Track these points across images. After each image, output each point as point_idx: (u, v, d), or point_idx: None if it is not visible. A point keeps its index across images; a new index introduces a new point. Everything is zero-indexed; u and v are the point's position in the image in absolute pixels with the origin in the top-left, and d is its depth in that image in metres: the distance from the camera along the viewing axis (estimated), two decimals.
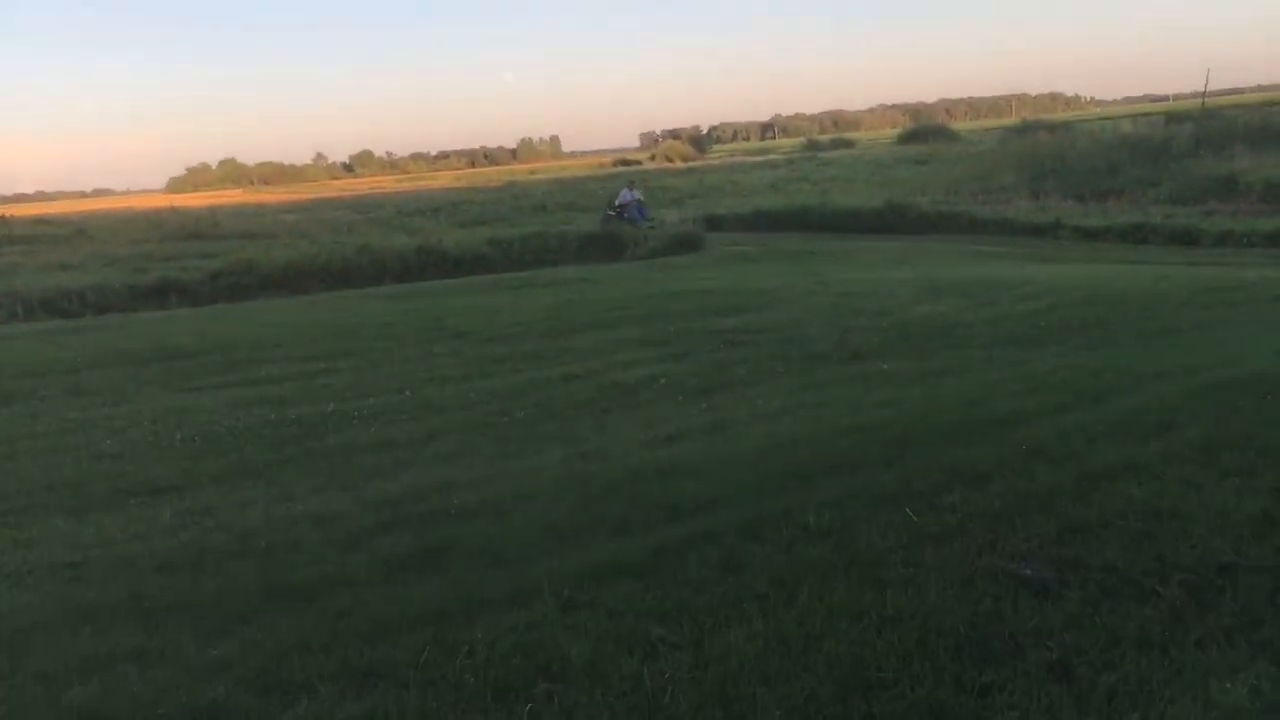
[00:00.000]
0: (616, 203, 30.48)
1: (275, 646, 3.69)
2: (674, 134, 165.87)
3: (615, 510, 5.09)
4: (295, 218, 42.06)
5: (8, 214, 52.26)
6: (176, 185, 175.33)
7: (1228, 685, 3.01)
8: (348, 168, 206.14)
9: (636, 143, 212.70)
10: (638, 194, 30.92)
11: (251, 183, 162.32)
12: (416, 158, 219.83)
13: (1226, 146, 32.62)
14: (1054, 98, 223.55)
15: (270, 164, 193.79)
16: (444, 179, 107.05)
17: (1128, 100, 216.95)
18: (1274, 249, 20.71)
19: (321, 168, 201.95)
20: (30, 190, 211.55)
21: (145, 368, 10.97)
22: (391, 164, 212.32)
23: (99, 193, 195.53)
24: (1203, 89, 63.23)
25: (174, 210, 49.73)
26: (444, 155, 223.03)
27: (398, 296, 18.16)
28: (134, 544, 5.12)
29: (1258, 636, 3.33)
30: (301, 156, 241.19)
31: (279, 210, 50.77)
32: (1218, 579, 3.75)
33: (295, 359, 10.98)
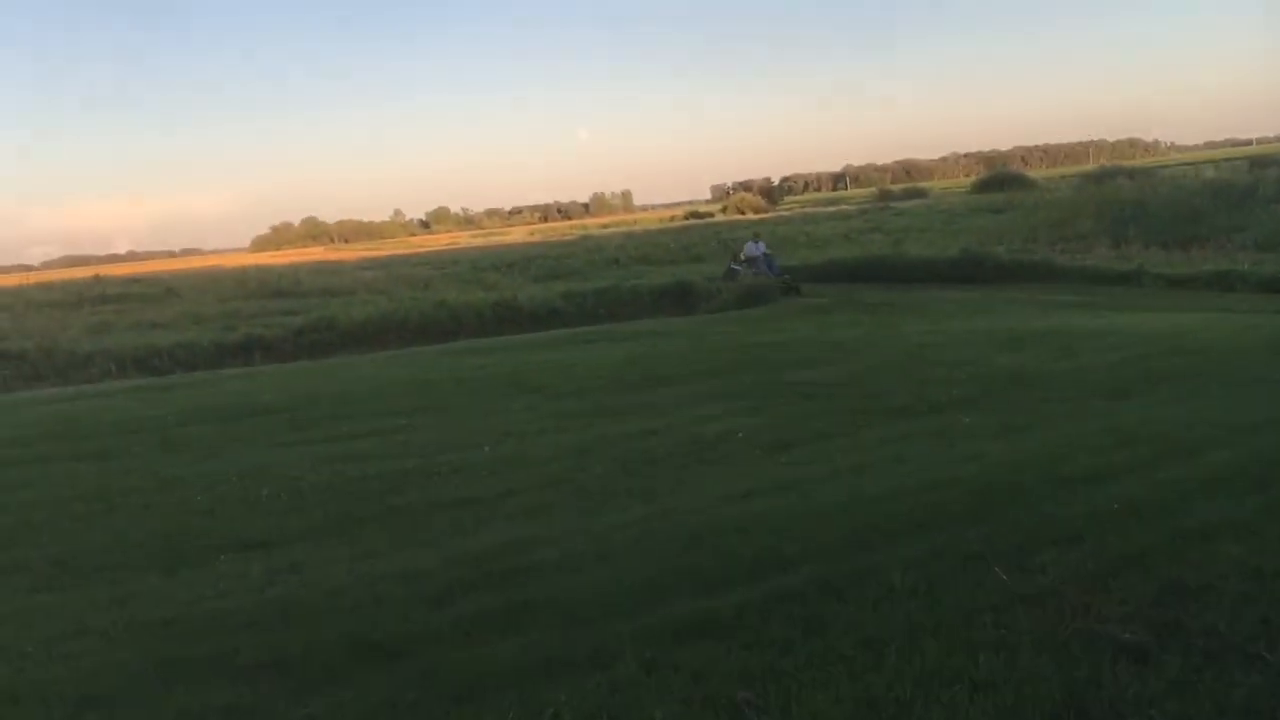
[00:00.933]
0: (743, 256, 29.20)
1: (364, 705, 3.72)
2: (745, 186, 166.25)
3: (696, 567, 5.06)
4: (374, 274, 42.96)
5: (102, 273, 54.21)
6: (260, 244, 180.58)
7: None
8: (424, 224, 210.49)
9: (708, 195, 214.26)
10: (763, 246, 29.72)
11: (332, 240, 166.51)
12: (491, 213, 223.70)
13: None
14: (1132, 144, 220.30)
15: (350, 222, 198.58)
16: (518, 234, 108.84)
17: (1209, 145, 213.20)
18: None
19: (399, 224, 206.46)
20: (123, 250, 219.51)
21: (232, 424, 11.22)
22: (467, 220, 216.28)
23: (187, 252, 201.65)
24: None
25: (258, 268, 51.08)
26: (518, 210, 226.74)
27: (474, 351, 18.37)
28: (224, 600, 5.21)
29: None
30: (380, 214, 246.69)
31: (358, 267, 51.92)
32: None
33: (376, 414, 11.14)
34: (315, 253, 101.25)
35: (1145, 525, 5.09)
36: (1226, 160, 68.21)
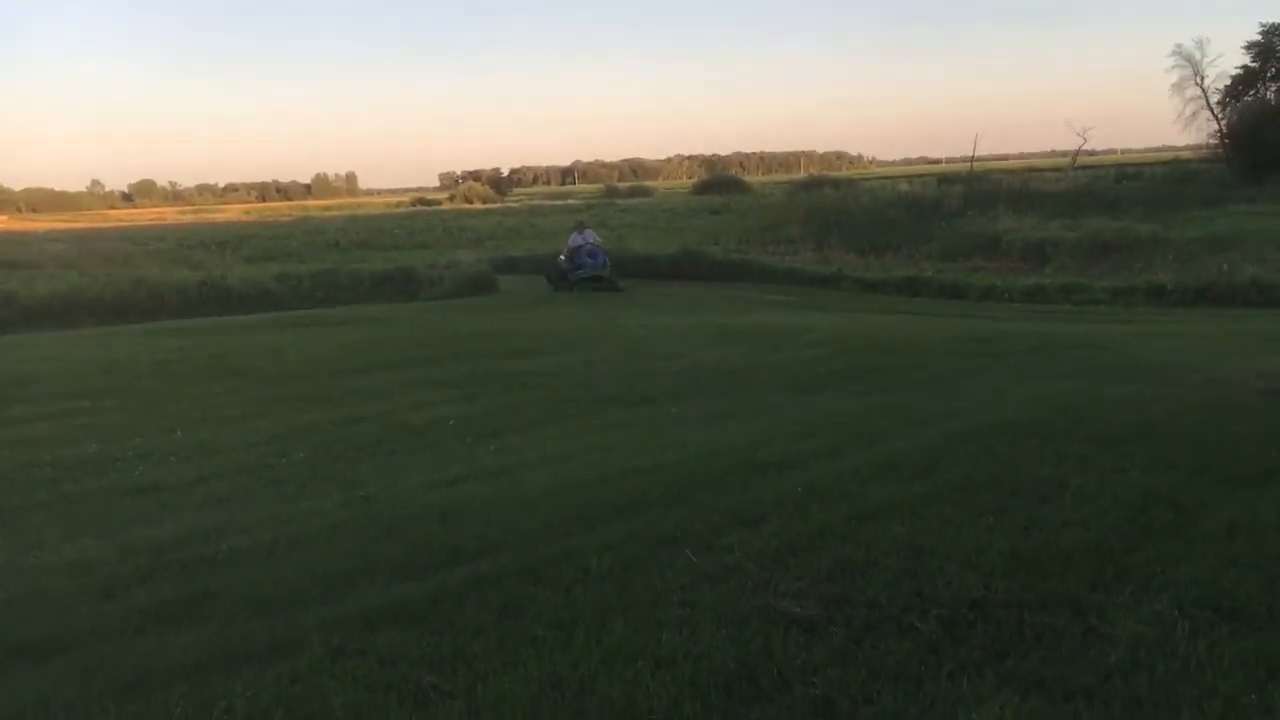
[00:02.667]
0: (568, 247, 26.14)
1: (10, 707, 3.40)
2: (474, 175, 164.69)
3: (394, 554, 4.95)
4: (64, 247, 39.48)
5: None
6: None
7: (974, 715, 3.17)
8: (127, 197, 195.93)
9: (436, 182, 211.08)
10: (592, 235, 26.69)
11: (18, 209, 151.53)
12: (202, 189, 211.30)
13: (992, 208, 35.19)
14: (839, 156, 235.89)
15: (40, 190, 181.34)
16: (232, 212, 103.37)
17: (905, 161, 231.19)
18: (1031, 304, 22.38)
19: (97, 196, 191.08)
20: None
21: None
22: (175, 195, 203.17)
23: None
24: (971, 154, 68.38)
25: None
26: (233, 188, 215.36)
27: (175, 332, 17.26)
28: None
29: (1004, 667, 3.52)
30: (75, 184, 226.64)
31: (46, 238, 47.59)
32: (970, 613, 3.95)
33: (55, 397, 10.24)
34: None
35: (824, 507, 5.43)
36: (919, 176, 74.05)
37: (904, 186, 53.57)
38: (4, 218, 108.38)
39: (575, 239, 26.54)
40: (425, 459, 7.39)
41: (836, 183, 64.84)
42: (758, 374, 11.19)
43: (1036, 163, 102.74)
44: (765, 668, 3.54)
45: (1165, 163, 64.09)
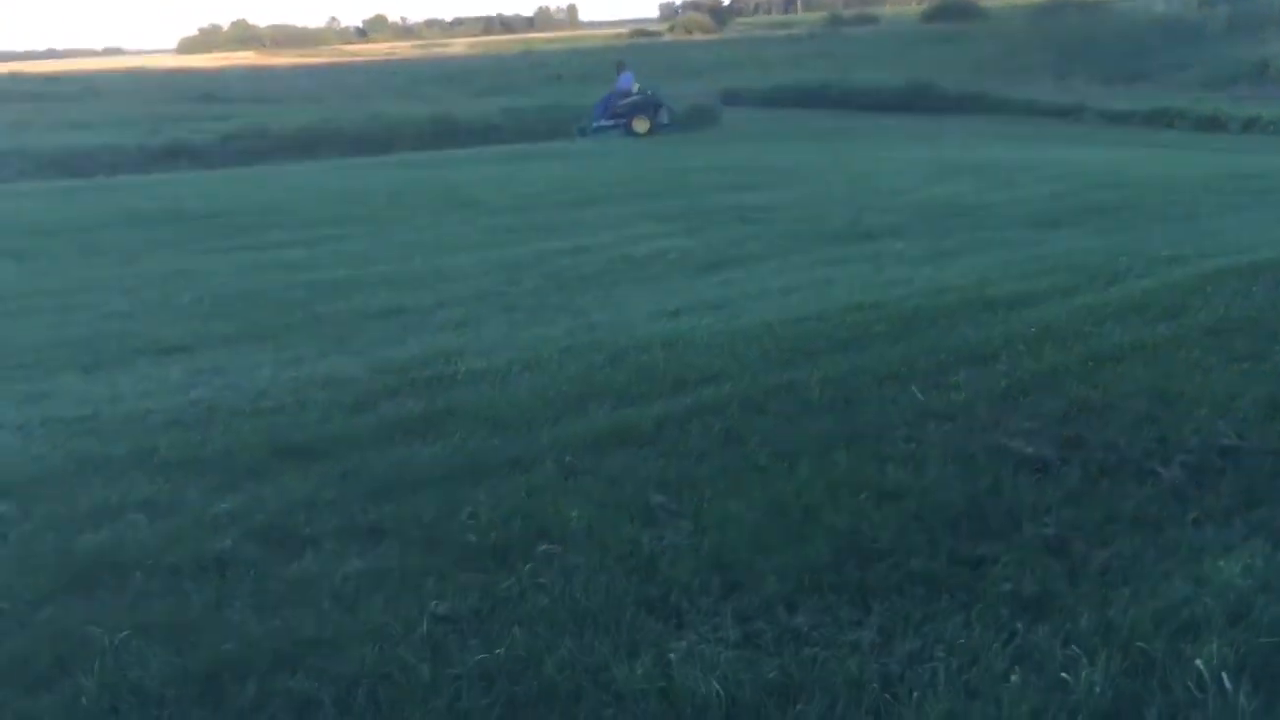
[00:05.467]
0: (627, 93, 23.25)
1: (282, 502, 3.74)
2: (694, 5, 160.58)
3: (619, 380, 5.08)
4: (308, 82, 41.36)
5: (16, 70, 51.62)
6: (188, 45, 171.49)
7: (1221, 562, 3.02)
8: (361, 32, 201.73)
9: (656, 13, 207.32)
10: (624, 80, 23.77)
11: (263, 45, 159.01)
12: (431, 24, 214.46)
13: (1261, 29, 31.68)
14: None
15: (282, 27, 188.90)
16: (458, 46, 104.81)
17: None
18: None
19: (334, 31, 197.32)
20: (40, 46, 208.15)
21: (155, 229, 10.95)
22: (406, 29, 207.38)
23: (109, 51, 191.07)
24: None
25: (185, 71, 48.96)
26: (459, 21, 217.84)
27: (410, 165, 17.99)
28: (144, 401, 5.16)
29: (1255, 516, 3.34)
30: (314, 19, 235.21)
31: (291, 74, 49.89)
32: (1219, 460, 3.74)
33: (305, 224, 10.95)
34: (246, 58, 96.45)
35: (1059, 347, 5.20)
36: None
37: (1160, 8, 48.88)
38: (252, 54, 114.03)
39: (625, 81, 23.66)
40: (647, 290, 7.50)
41: (1083, 5, 59.79)
42: (989, 210, 10.70)
43: None
44: (994, 506, 3.47)
45: None
